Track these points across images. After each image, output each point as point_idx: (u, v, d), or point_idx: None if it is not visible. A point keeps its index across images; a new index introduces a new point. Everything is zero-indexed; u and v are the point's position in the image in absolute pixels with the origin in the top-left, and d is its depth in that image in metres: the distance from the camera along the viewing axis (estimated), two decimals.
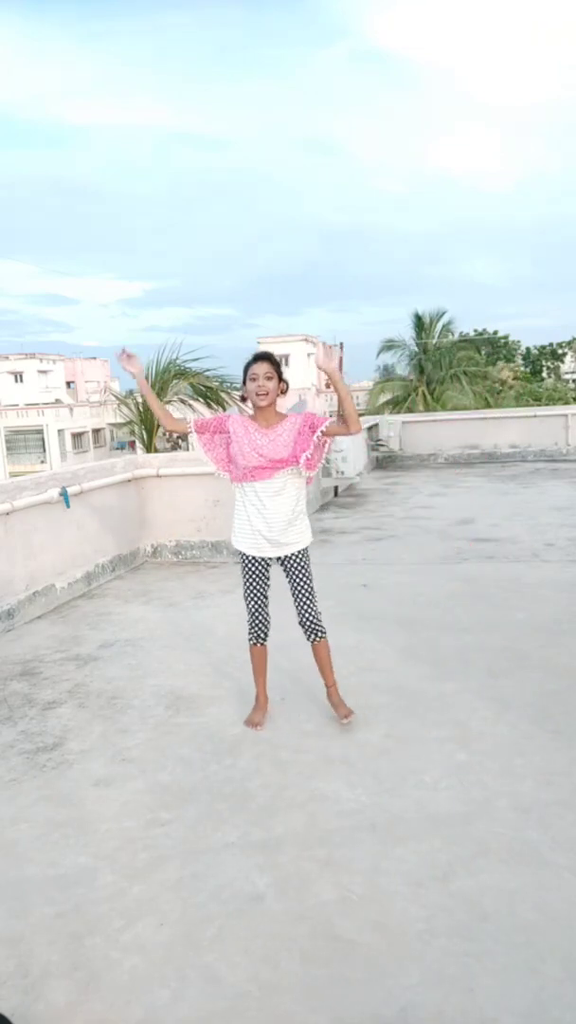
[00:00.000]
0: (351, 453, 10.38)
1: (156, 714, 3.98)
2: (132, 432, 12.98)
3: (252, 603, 3.72)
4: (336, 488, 11.25)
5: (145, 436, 11.58)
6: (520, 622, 5.11)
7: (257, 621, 3.73)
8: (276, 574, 3.70)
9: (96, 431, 49.57)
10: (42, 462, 43.37)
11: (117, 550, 7.08)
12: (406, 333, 31.57)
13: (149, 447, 11.55)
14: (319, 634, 3.66)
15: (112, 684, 4.42)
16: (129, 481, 7.34)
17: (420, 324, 31.36)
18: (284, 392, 3.56)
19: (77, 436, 48.10)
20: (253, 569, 3.68)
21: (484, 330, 54.39)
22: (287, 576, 3.65)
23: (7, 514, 5.67)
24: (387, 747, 3.48)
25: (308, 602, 3.63)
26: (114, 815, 3.06)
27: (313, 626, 3.64)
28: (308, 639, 3.69)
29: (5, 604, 5.55)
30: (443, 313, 31.84)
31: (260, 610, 3.72)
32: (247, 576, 3.70)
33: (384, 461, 14.63)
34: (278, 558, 3.62)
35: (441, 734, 3.56)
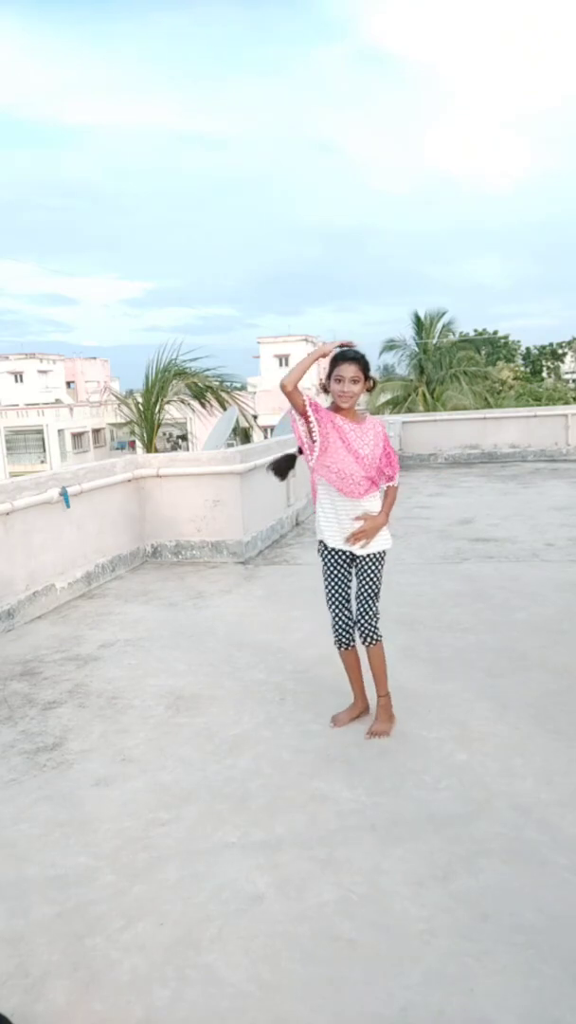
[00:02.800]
0: None
1: (156, 714, 3.98)
2: (132, 432, 12.99)
3: (334, 603, 3.65)
4: None
5: (145, 436, 11.58)
6: (520, 622, 5.11)
7: (339, 622, 3.66)
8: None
9: (96, 431, 49.58)
10: (42, 462, 43.38)
11: (117, 550, 7.08)
12: (406, 333, 31.60)
13: (149, 447, 11.55)
14: (373, 639, 3.58)
15: (112, 684, 4.42)
16: (129, 481, 7.34)
17: (420, 324, 31.38)
18: (371, 391, 3.57)
19: (77, 436, 48.12)
20: (336, 562, 3.61)
21: (484, 330, 54.45)
22: (356, 575, 3.63)
23: (7, 514, 5.67)
24: (387, 747, 3.48)
25: (370, 604, 3.56)
26: (114, 815, 3.06)
27: (370, 629, 3.58)
28: (363, 643, 3.62)
29: (5, 604, 5.55)
30: (443, 313, 31.89)
31: (342, 610, 3.65)
32: (329, 570, 3.62)
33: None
34: (355, 557, 3.61)
35: (441, 734, 3.56)
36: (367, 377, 3.43)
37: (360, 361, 3.39)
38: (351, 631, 3.67)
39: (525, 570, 6.41)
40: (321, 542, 3.65)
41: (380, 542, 3.57)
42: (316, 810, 3.01)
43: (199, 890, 2.58)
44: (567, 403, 33.75)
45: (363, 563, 3.58)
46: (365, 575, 3.57)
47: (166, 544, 7.53)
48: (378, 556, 3.58)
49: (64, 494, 6.25)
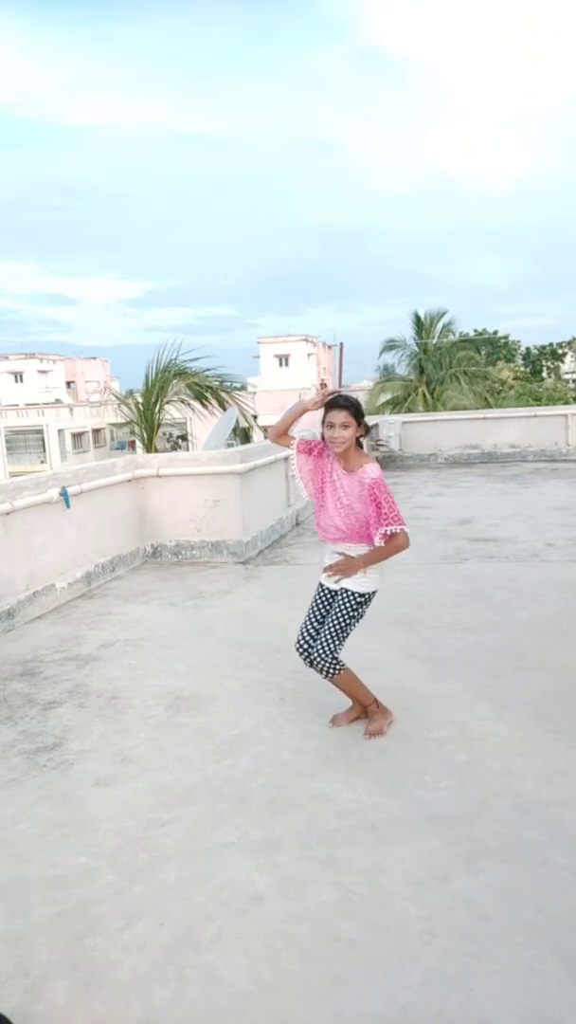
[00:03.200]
0: None
1: (156, 714, 3.98)
2: (132, 432, 12.98)
3: (304, 621, 3.69)
4: None
5: (145, 436, 11.58)
6: (520, 622, 5.11)
7: (298, 644, 3.66)
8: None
9: (96, 431, 49.57)
10: (42, 462, 43.38)
11: (117, 550, 7.08)
12: (407, 333, 31.58)
13: (149, 447, 11.55)
14: (328, 672, 3.53)
15: (112, 684, 4.42)
16: (129, 481, 7.34)
17: (420, 324, 31.37)
18: (364, 435, 3.54)
19: (77, 436, 48.10)
20: (318, 592, 3.69)
21: (484, 330, 54.44)
22: (331, 605, 3.62)
23: (7, 514, 5.67)
24: (387, 747, 3.48)
25: (325, 637, 3.51)
26: (114, 815, 3.06)
27: (321, 664, 3.52)
28: (323, 677, 3.59)
29: (5, 604, 5.55)
30: (443, 313, 31.87)
31: (303, 635, 3.65)
32: (314, 596, 3.69)
33: (384, 461, 14.63)
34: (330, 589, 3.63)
35: (441, 734, 3.56)
36: (359, 423, 3.46)
37: (350, 408, 3.44)
38: (308, 651, 3.62)
39: (525, 570, 6.41)
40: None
41: (353, 582, 3.52)
42: (316, 810, 3.01)
43: (199, 890, 2.58)
44: (567, 403, 33.73)
45: (337, 597, 3.57)
46: (334, 609, 3.55)
47: (166, 544, 7.53)
48: (347, 594, 3.51)
49: (64, 494, 6.25)
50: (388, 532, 3.38)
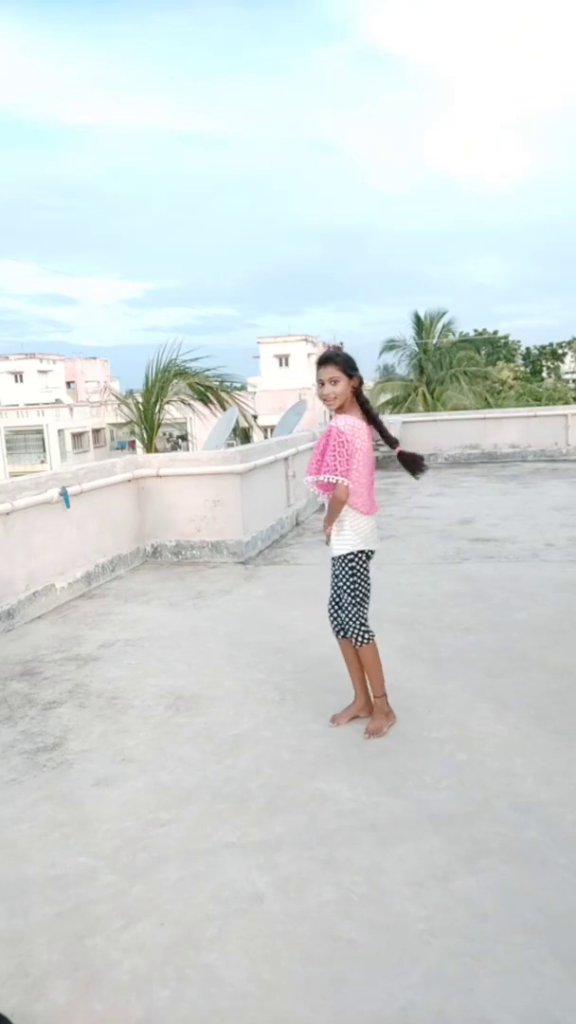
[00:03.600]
0: None
1: (156, 714, 3.98)
2: (132, 432, 12.98)
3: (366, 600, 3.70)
4: None
5: (145, 436, 11.58)
6: (520, 622, 5.11)
7: (329, 610, 3.76)
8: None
9: (96, 431, 49.57)
10: (42, 462, 43.38)
11: (117, 550, 7.08)
12: (407, 333, 31.60)
13: (149, 447, 11.54)
14: (357, 640, 3.60)
15: (112, 684, 4.42)
16: (129, 481, 7.34)
17: (420, 324, 31.39)
18: (358, 386, 3.47)
19: (77, 436, 48.11)
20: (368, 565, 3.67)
21: (484, 330, 54.45)
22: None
23: (7, 514, 5.67)
24: (387, 747, 3.48)
25: (340, 608, 3.64)
26: (114, 815, 3.06)
27: (352, 631, 3.60)
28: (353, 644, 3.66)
29: (5, 604, 5.55)
30: (443, 313, 31.90)
31: (330, 601, 3.75)
32: (367, 573, 3.64)
33: (384, 461, 14.61)
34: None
35: (441, 734, 3.56)
36: (350, 375, 3.42)
37: (335, 360, 3.41)
38: (336, 621, 3.73)
39: (525, 570, 6.41)
40: (366, 552, 3.69)
41: (338, 545, 3.57)
42: (316, 810, 3.01)
43: (199, 890, 2.58)
44: (567, 403, 33.74)
45: (332, 564, 3.65)
46: (332, 575, 3.65)
47: (166, 544, 7.53)
48: (336, 560, 3.59)
49: (64, 494, 6.25)
50: (326, 480, 3.40)
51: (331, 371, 3.40)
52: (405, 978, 2.15)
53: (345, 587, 3.58)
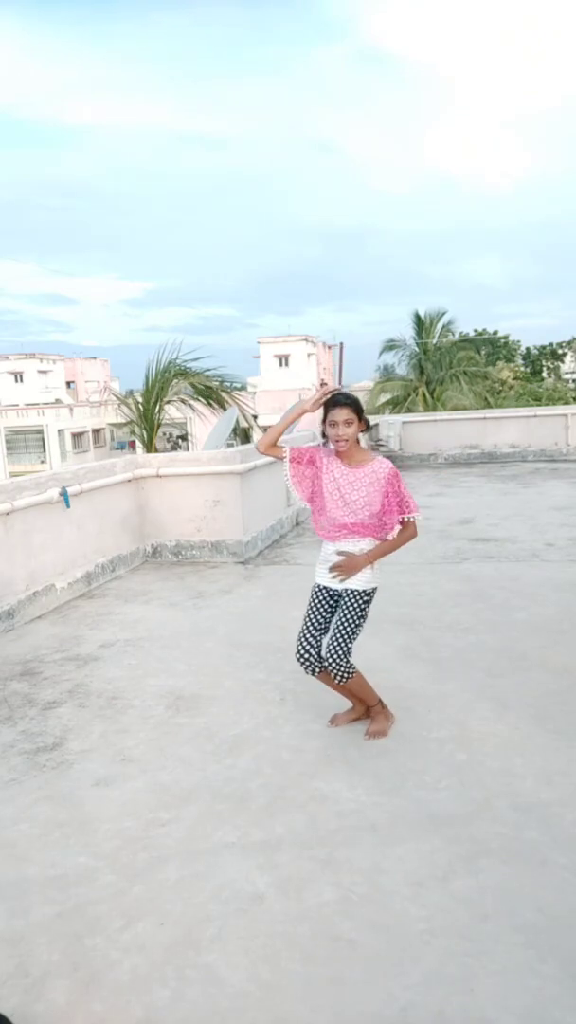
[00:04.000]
0: None
1: (156, 714, 3.98)
2: (132, 432, 12.97)
3: (302, 629, 3.62)
4: None
5: (145, 436, 11.57)
6: (520, 622, 5.11)
7: (299, 650, 3.60)
8: None
9: (96, 431, 49.56)
10: (42, 462, 43.37)
11: (117, 550, 7.08)
12: (407, 333, 31.57)
13: (149, 447, 11.54)
14: (343, 677, 3.48)
15: (112, 684, 4.42)
16: (129, 481, 7.34)
17: (420, 324, 31.36)
18: (365, 431, 3.53)
19: (77, 436, 48.09)
20: (316, 596, 3.62)
21: (484, 330, 54.44)
22: (338, 610, 3.55)
23: (7, 514, 5.67)
24: (387, 747, 3.48)
25: (339, 642, 3.45)
26: (114, 815, 3.06)
27: (338, 669, 3.45)
28: (336, 682, 3.55)
29: (5, 604, 5.55)
30: (443, 313, 31.85)
31: (305, 638, 3.59)
32: (310, 600, 3.63)
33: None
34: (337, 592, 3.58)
35: (441, 734, 3.56)
36: (360, 419, 3.45)
37: (352, 405, 3.43)
38: (314, 658, 3.57)
39: (525, 570, 6.41)
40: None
41: (359, 580, 3.48)
42: (316, 810, 3.01)
43: (199, 890, 2.58)
44: (567, 403, 33.72)
45: (343, 599, 3.52)
46: (341, 611, 3.50)
47: (166, 544, 7.53)
48: (356, 594, 3.48)
49: (64, 494, 6.25)
50: (407, 519, 3.45)
51: (348, 414, 3.40)
52: (405, 978, 2.15)
53: (352, 623, 3.46)
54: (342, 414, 3.39)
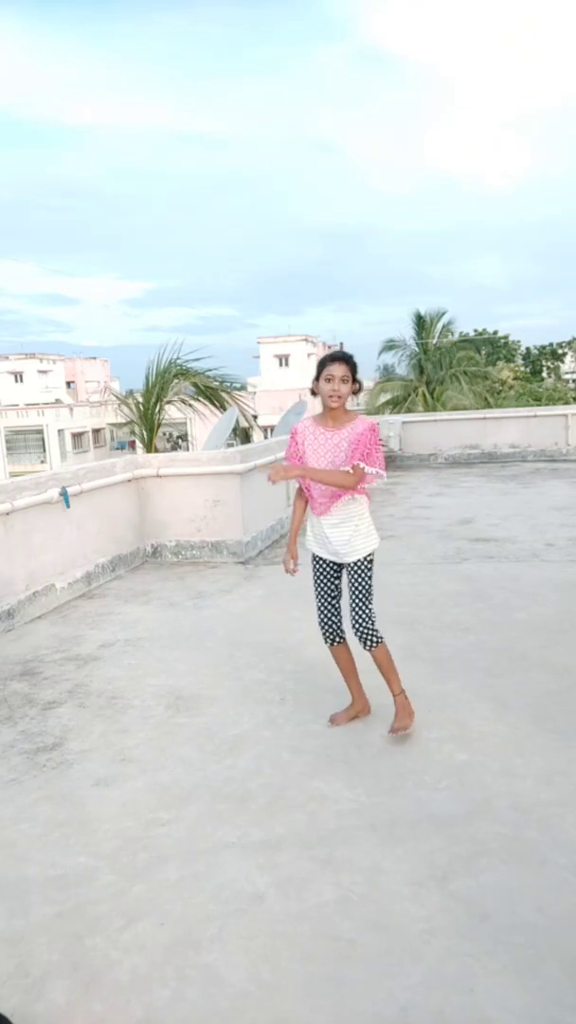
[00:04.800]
0: None
1: (156, 714, 3.98)
2: (132, 432, 12.97)
3: (318, 602, 3.70)
4: None
5: (145, 436, 11.57)
6: (520, 622, 5.11)
7: (322, 617, 3.70)
8: None
9: (96, 431, 49.56)
10: (42, 462, 43.37)
11: (117, 550, 7.08)
12: (407, 333, 31.60)
13: (149, 447, 11.54)
14: (369, 642, 3.53)
15: (112, 684, 4.42)
16: (129, 481, 7.34)
17: (420, 324, 31.38)
18: (357, 393, 3.52)
19: (77, 436, 48.10)
20: (318, 566, 3.66)
21: (484, 330, 54.45)
22: (347, 581, 3.59)
23: (7, 514, 5.67)
24: (387, 747, 3.48)
25: (362, 608, 3.52)
26: (114, 815, 3.06)
27: (366, 633, 3.52)
28: (364, 648, 3.57)
29: (5, 604, 5.55)
30: (443, 313, 31.89)
31: (325, 607, 3.68)
32: (314, 572, 3.68)
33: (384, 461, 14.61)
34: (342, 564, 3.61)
35: (441, 734, 3.56)
36: (355, 379, 3.44)
37: (349, 361, 3.42)
38: (336, 626, 3.69)
39: (525, 570, 6.41)
40: (309, 550, 3.70)
41: (361, 548, 3.52)
42: (316, 810, 3.01)
43: (199, 890, 2.58)
44: (567, 403, 33.73)
45: (350, 570, 3.56)
46: (353, 581, 3.55)
47: (166, 544, 7.53)
48: (363, 561, 3.54)
49: (64, 494, 6.25)
50: (360, 466, 3.37)
51: (344, 370, 3.39)
52: (405, 978, 2.15)
53: (366, 586, 3.53)
54: (339, 370, 3.39)
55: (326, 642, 3.74)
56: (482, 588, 5.93)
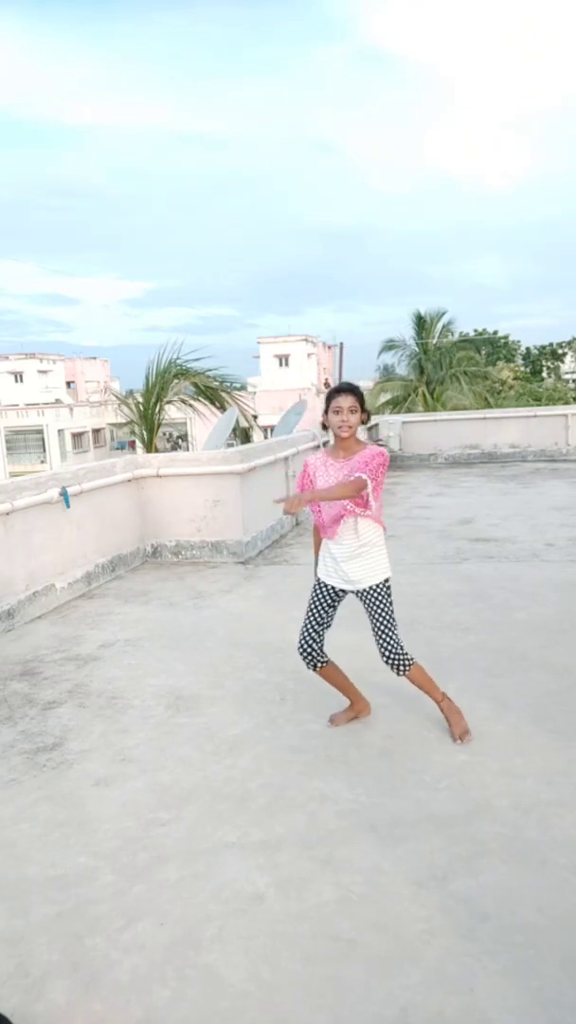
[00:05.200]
0: None
1: (156, 714, 3.98)
2: (132, 432, 12.96)
3: (306, 625, 3.63)
4: None
5: (145, 436, 11.57)
6: (520, 622, 5.11)
7: (302, 646, 3.63)
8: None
9: (96, 431, 49.57)
10: (42, 462, 43.38)
11: (117, 550, 7.08)
12: (407, 333, 31.59)
13: (149, 447, 11.54)
14: (402, 669, 3.49)
15: (112, 684, 4.42)
16: (129, 481, 7.34)
17: (420, 324, 31.37)
18: (365, 423, 3.54)
19: (77, 436, 48.11)
20: (319, 592, 3.63)
21: (484, 330, 54.44)
22: (366, 611, 3.55)
23: (7, 514, 5.67)
24: (387, 747, 3.48)
25: (388, 636, 3.48)
26: (114, 815, 3.06)
27: (397, 661, 3.48)
28: (397, 674, 3.54)
29: (5, 604, 5.55)
30: (443, 313, 31.88)
31: (310, 634, 3.62)
32: (312, 597, 3.65)
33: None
34: (355, 592, 3.55)
35: (441, 734, 3.56)
36: (363, 408, 3.47)
37: (356, 392, 3.47)
38: (317, 651, 3.62)
39: (525, 570, 6.41)
40: (315, 573, 3.69)
41: (376, 572, 3.49)
42: (316, 810, 3.01)
43: (199, 890, 2.58)
44: (567, 403, 33.72)
45: (368, 598, 3.51)
46: (374, 610, 3.50)
47: (166, 544, 7.53)
48: (379, 588, 3.49)
49: (64, 494, 6.25)
50: (364, 477, 3.29)
51: (352, 401, 3.42)
52: (405, 978, 2.15)
53: (390, 612, 3.49)
54: (347, 401, 3.41)
55: (309, 667, 3.67)
56: (482, 588, 5.93)
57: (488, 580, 6.14)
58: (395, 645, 3.48)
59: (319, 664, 3.65)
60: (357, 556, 3.49)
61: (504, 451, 14.38)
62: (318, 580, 3.66)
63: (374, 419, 14.92)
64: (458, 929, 2.33)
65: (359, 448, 3.50)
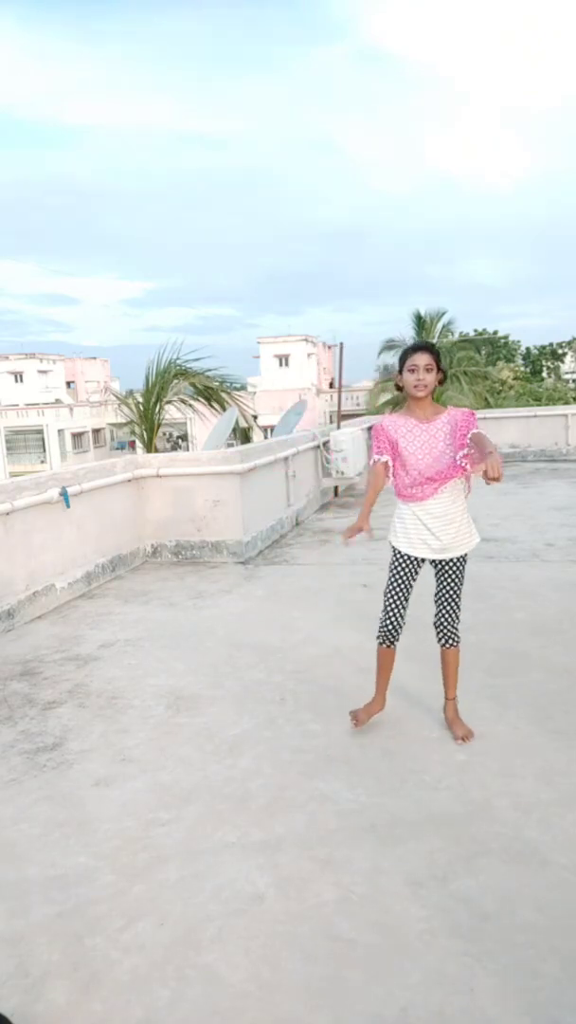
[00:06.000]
0: (351, 453, 10.39)
1: (156, 714, 3.98)
2: (132, 432, 12.96)
3: (393, 602, 3.59)
4: (336, 488, 11.24)
5: (145, 436, 11.57)
6: (520, 622, 5.11)
7: (389, 621, 3.59)
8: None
9: (96, 431, 49.59)
10: (42, 462, 43.39)
11: (117, 550, 7.08)
12: (407, 333, 31.56)
13: (149, 447, 11.54)
14: (452, 641, 3.57)
15: (112, 684, 4.42)
16: (129, 481, 7.34)
17: (420, 324, 31.35)
18: (442, 383, 3.47)
19: (77, 436, 48.12)
20: (403, 566, 3.56)
21: (484, 330, 54.44)
22: (438, 578, 3.55)
23: (7, 514, 5.67)
24: (387, 747, 3.48)
25: (453, 608, 3.54)
26: (114, 815, 3.06)
27: (449, 632, 3.56)
28: (442, 645, 3.59)
29: (5, 604, 5.55)
30: (443, 313, 31.84)
31: (396, 610, 3.58)
32: (394, 572, 3.58)
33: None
34: (434, 561, 3.54)
35: (441, 734, 3.56)
36: (439, 367, 3.41)
37: (432, 350, 3.40)
38: (401, 629, 3.60)
39: (525, 570, 6.41)
40: (392, 546, 3.61)
41: (467, 541, 3.49)
42: (316, 810, 3.01)
43: (199, 890, 2.58)
44: (567, 403, 33.73)
45: (449, 567, 3.50)
46: (448, 579, 3.50)
47: (166, 544, 7.53)
48: (462, 559, 3.50)
49: (64, 494, 6.25)
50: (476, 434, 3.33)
51: (428, 359, 3.35)
52: (405, 978, 2.15)
53: (461, 588, 3.53)
54: (423, 359, 3.36)
55: (383, 644, 3.61)
56: (482, 588, 5.93)
57: (488, 580, 6.14)
58: (457, 618, 3.55)
59: (396, 642, 3.62)
60: (454, 521, 3.45)
61: (504, 451, 14.38)
62: (400, 554, 3.56)
63: (374, 419, 14.91)
64: (458, 929, 2.33)
65: (437, 410, 3.44)
